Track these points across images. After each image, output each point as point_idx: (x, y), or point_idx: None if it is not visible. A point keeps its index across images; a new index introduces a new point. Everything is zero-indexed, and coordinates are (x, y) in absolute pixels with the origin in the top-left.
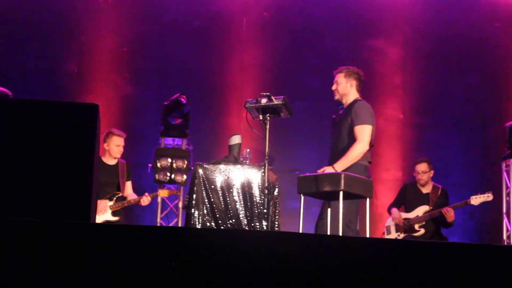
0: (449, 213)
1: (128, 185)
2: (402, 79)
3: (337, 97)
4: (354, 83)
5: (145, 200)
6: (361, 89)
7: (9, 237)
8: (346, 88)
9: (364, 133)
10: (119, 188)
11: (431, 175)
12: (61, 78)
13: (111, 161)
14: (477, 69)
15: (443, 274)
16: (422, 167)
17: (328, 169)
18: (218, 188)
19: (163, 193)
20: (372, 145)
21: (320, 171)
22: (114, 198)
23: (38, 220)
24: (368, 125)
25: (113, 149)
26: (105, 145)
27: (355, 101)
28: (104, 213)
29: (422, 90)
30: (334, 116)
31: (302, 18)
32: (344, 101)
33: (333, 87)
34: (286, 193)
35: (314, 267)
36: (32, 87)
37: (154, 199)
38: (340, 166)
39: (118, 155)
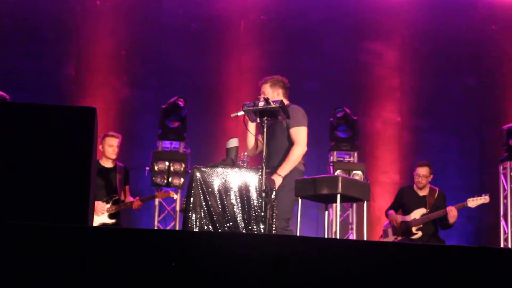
0: (452, 212)
1: (126, 188)
2: (399, 82)
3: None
4: (280, 91)
5: (135, 204)
6: (288, 95)
7: (6, 240)
8: (273, 98)
9: (301, 135)
10: (116, 191)
11: (430, 180)
12: (59, 81)
13: (108, 164)
14: (475, 72)
15: (441, 277)
16: (424, 171)
17: (274, 177)
18: (216, 192)
19: (160, 196)
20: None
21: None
22: (111, 201)
23: (35, 224)
24: (304, 127)
25: (107, 150)
26: (100, 147)
27: (288, 106)
28: (101, 216)
29: (419, 93)
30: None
31: (299, 21)
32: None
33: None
34: None
35: (311, 270)
36: (30, 90)
37: (151, 202)
38: (282, 171)
39: (113, 156)
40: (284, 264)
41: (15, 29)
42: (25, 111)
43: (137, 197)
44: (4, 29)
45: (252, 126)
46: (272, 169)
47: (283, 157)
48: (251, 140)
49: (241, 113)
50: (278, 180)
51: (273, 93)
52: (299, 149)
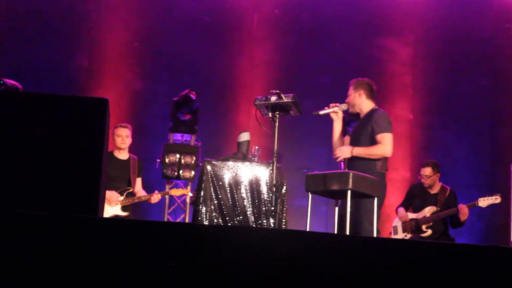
0: (464, 210)
1: (138, 181)
2: (412, 79)
3: (351, 109)
4: (362, 92)
5: (155, 198)
6: (374, 96)
7: (16, 229)
8: (356, 98)
9: (386, 140)
10: (130, 183)
11: (436, 178)
12: (71, 72)
13: (122, 156)
14: (488, 71)
15: (450, 275)
16: (426, 171)
17: (345, 147)
18: (226, 185)
19: (173, 192)
20: None
21: (337, 151)
22: (125, 194)
23: (46, 213)
24: (389, 133)
25: (116, 140)
26: (111, 139)
27: (373, 111)
28: (114, 207)
29: (432, 90)
30: (348, 127)
31: (313, 16)
32: (359, 112)
33: (346, 100)
34: (294, 191)
35: (320, 266)
36: (42, 81)
37: None
38: (357, 151)
39: (122, 146)
40: (293, 259)
41: (28, 19)
42: (37, 101)
43: (156, 191)
44: (17, 19)
45: (338, 124)
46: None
47: (365, 162)
48: (336, 141)
49: (323, 111)
50: (347, 150)
51: (355, 94)
52: (382, 149)
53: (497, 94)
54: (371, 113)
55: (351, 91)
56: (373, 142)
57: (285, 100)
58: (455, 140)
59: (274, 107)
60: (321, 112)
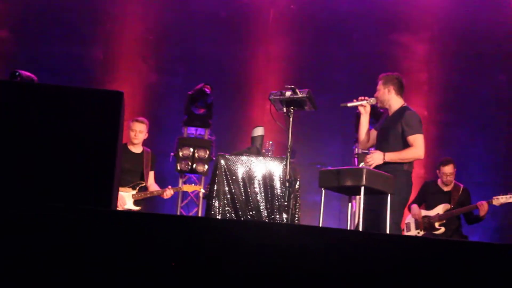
0: (484, 207)
1: (151, 174)
2: (428, 76)
3: (379, 104)
4: (391, 88)
5: (168, 193)
6: (403, 92)
7: (30, 221)
8: (385, 94)
9: (419, 142)
10: (142, 176)
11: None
12: (87, 64)
13: (136, 149)
14: (504, 69)
15: (463, 272)
16: (450, 168)
17: (377, 153)
18: (240, 179)
19: (186, 188)
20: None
21: (369, 158)
22: (137, 188)
23: (60, 205)
24: (421, 134)
25: (130, 134)
26: (126, 132)
27: (403, 109)
28: (127, 202)
29: (447, 88)
30: (379, 124)
31: (329, 12)
32: (388, 107)
33: (375, 95)
34: (308, 187)
35: (333, 261)
36: (58, 73)
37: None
38: (389, 156)
39: (135, 141)
40: (306, 254)
41: (44, 13)
42: (53, 93)
43: (169, 186)
44: (33, 12)
45: (365, 118)
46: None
47: (393, 162)
48: (362, 135)
49: (351, 104)
50: (379, 157)
51: (384, 90)
52: (415, 152)
53: None
54: (402, 111)
55: (380, 86)
56: (404, 142)
57: (300, 96)
58: (469, 137)
59: (288, 102)
60: (349, 104)
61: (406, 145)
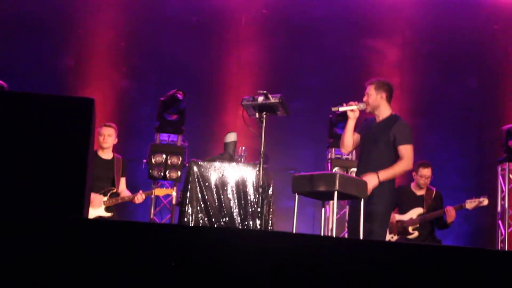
0: (450, 212)
1: (122, 181)
2: (400, 80)
3: (368, 109)
4: (384, 94)
5: (139, 198)
6: (391, 101)
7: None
8: (377, 100)
9: (409, 153)
10: (114, 183)
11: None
12: (58, 71)
13: (106, 156)
14: (476, 72)
15: (436, 277)
16: (428, 171)
17: (371, 176)
18: (213, 186)
19: (158, 192)
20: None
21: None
22: (109, 194)
23: (30, 214)
24: (411, 145)
25: (98, 139)
26: (96, 138)
27: (395, 118)
28: (98, 208)
29: (420, 92)
30: (362, 128)
31: (301, 17)
32: (376, 113)
33: (364, 99)
34: (281, 192)
35: (306, 267)
36: (29, 80)
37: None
38: (383, 175)
39: (104, 145)
40: (279, 261)
41: (15, 18)
42: (23, 100)
43: (140, 191)
44: (4, 18)
45: (352, 123)
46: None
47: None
48: (348, 139)
49: (342, 108)
50: (373, 179)
51: (377, 95)
52: (405, 165)
53: (484, 95)
54: (393, 119)
55: (371, 90)
56: (394, 150)
57: (272, 101)
58: (442, 141)
59: (261, 108)
60: (341, 109)
61: (395, 153)
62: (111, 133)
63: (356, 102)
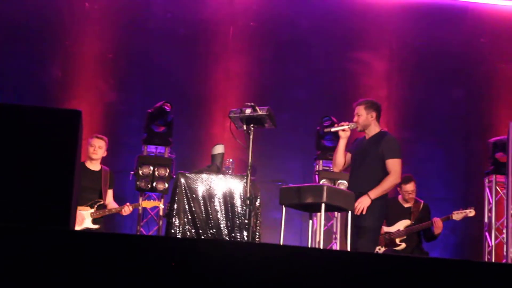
0: (438, 224)
1: (110, 193)
2: (387, 92)
3: (359, 128)
4: (374, 114)
5: (127, 210)
6: (380, 121)
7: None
8: (368, 120)
9: (397, 167)
10: (101, 194)
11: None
12: (45, 82)
13: (94, 167)
14: (462, 85)
15: None
16: (411, 186)
17: (363, 198)
18: (200, 198)
19: (145, 204)
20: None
21: (358, 204)
22: (96, 206)
23: (15, 226)
24: (399, 159)
25: (89, 150)
26: (84, 149)
27: (383, 134)
28: (85, 221)
29: (407, 104)
30: (353, 147)
31: (289, 29)
32: (366, 132)
33: (355, 119)
34: (268, 204)
35: (293, 279)
36: (15, 91)
37: None
38: (373, 194)
39: (94, 156)
40: (266, 272)
41: (1, 30)
42: (10, 112)
43: (127, 203)
44: None
45: (343, 142)
46: (359, 194)
47: (372, 183)
48: (340, 158)
49: (335, 129)
50: (366, 201)
51: (367, 115)
52: (394, 180)
53: (471, 107)
54: (381, 135)
55: (361, 111)
56: (383, 165)
57: (260, 113)
58: (429, 153)
59: (248, 120)
60: (333, 129)
61: (384, 167)
62: (101, 145)
63: (348, 122)
